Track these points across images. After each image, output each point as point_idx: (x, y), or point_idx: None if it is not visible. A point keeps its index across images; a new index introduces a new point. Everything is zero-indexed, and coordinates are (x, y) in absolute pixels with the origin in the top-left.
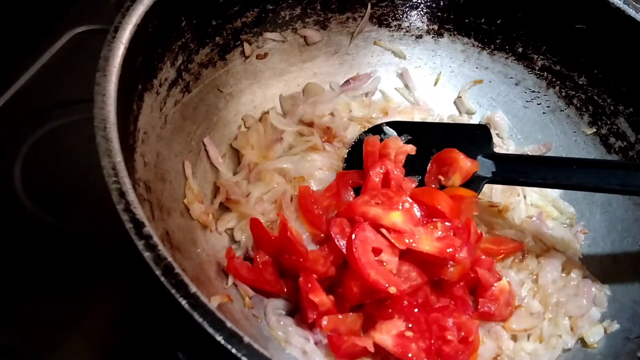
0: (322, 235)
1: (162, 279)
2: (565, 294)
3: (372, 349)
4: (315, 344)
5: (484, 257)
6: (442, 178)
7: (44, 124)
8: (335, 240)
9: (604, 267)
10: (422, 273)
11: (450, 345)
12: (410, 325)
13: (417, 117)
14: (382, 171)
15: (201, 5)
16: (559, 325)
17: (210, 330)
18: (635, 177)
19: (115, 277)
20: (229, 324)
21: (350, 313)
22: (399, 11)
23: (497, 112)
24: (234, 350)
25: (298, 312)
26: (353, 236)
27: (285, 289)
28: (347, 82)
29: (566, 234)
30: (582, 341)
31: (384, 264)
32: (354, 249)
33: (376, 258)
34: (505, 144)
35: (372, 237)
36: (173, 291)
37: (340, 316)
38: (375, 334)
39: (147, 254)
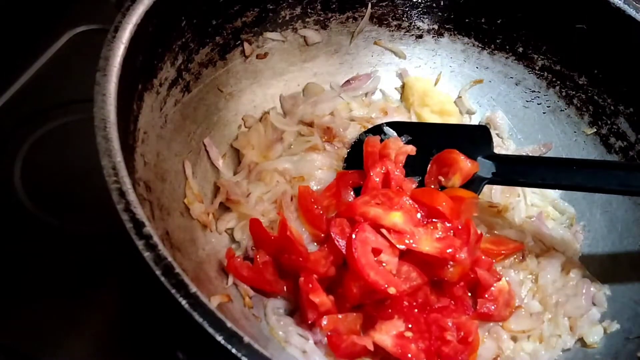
0: (322, 235)
1: (162, 279)
2: (565, 294)
3: (371, 348)
4: (315, 343)
5: (483, 257)
6: (442, 179)
7: (44, 124)
8: (335, 241)
9: (604, 267)
10: (422, 273)
11: (450, 346)
12: (409, 326)
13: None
14: (382, 171)
15: (201, 5)
16: (558, 325)
17: (210, 330)
18: (635, 177)
19: (115, 277)
20: (229, 324)
21: (350, 313)
22: (399, 11)
23: (497, 112)
24: (234, 350)
25: (298, 312)
26: (353, 236)
27: (285, 289)
28: (347, 82)
29: (566, 234)
30: (581, 341)
31: (384, 264)
32: (354, 250)
33: (376, 258)
34: (505, 144)
35: (371, 237)
36: (173, 291)
37: (339, 316)
38: (374, 334)
39: (147, 254)
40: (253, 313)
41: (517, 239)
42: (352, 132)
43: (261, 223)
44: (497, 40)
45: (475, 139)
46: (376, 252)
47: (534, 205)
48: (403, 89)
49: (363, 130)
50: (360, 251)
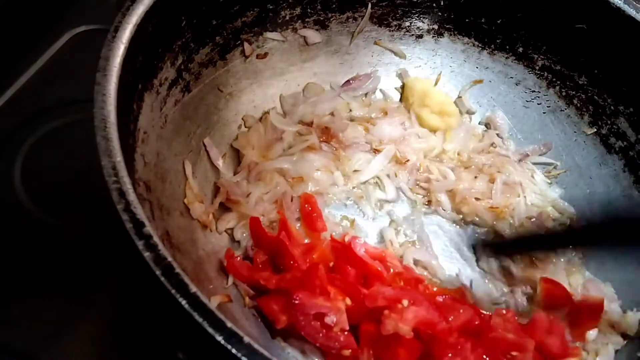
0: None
1: (162, 279)
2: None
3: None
4: None
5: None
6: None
7: (44, 124)
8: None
9: (604, 267)
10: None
11: None
12: None
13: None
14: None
15: (201, 5)
16: (605, 333)
17: (210, 330)
18: None
19: (115, 277)
20: (229, 324)
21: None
22: (399, 11)
23: (497, 112)
24: (234, 350)
25: None
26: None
27: None
28: (347, 82)
29: None
30: None
31: (332, 327)
32: (299, 320)
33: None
34: (505, 144)
35: (312, 303)
36: (173, 291)
37: None
38: None
39: (147, 254)
40: (253, 313)
41: None
42: (350, 133)
43: (260, 222)
44: (497, 40)
45: None
46: (321, 315)
47: (534, 205)
48: (403, 89)
49: (363, 130)
50: (302, 321)
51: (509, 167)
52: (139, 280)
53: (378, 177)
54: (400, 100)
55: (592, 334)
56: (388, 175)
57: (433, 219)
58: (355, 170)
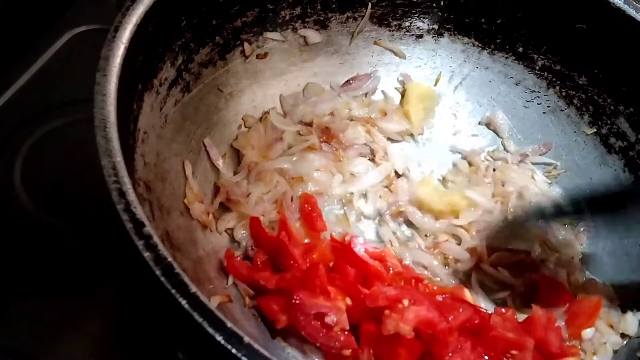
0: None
1: (162, 279)
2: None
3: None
4: None
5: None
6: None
7: (44, 124)
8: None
9: (604, 267)
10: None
11: None
12: None
13: None
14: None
15: (201, 5)
16: (603, 333)
17: (210, 330)
18: None
19: (115, 277)
20: (229, 324)
21: None
22: (399, 11)
23: (497, 112)
24: (234, 350)
25: None
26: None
27: None
28: (347, 82)
29: (569, 236)
30: None
31: (333, 327)
32: (297, 322)
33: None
34: (505, 144)
35: (312, 303)
36: (173, 291)
37: None
38: None
39: (147, 254)
40: (253, 313)
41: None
42: (350, 134)
43: (260, 222)
44: (497, 40)
45: None
46: (321, 315)
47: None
48: (403, 95)
49: (364, 131)
50: (302, 321)
51: (509, 168)
52: (139, 280)
53: (366, 192)
54: (400, 104)
55: (588, 332)
56: (376, 194)
57: None
58: (352, 175)
